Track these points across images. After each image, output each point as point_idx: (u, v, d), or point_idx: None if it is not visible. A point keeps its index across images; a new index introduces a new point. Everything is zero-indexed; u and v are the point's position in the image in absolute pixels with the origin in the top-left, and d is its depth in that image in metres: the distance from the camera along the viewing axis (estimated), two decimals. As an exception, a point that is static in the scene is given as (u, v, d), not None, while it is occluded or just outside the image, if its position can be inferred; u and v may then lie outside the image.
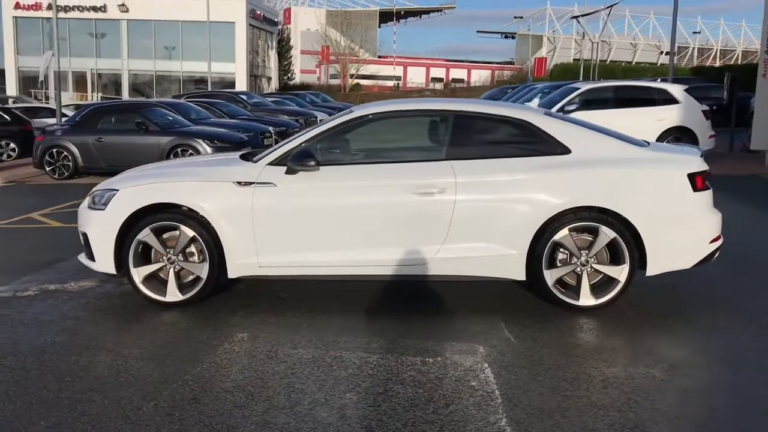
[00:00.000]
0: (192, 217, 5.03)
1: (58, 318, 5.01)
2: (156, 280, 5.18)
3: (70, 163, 14.10)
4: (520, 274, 4.92)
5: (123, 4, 44.52)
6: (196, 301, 5.16)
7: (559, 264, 4.94)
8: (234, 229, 4.97)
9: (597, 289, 4.95)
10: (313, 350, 4.37)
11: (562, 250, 4.92)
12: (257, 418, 3.47)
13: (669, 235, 4.91)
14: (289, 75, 60.30)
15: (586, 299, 4.95)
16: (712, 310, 5.12)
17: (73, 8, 43.51)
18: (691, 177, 4.92)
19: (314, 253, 5.01)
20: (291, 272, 5.06)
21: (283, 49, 59.18)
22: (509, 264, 4.89)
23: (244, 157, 5.46)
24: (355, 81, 61.26)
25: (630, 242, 4.86)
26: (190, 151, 13.55)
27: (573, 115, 11.57)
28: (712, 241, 5.02)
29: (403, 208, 4.90)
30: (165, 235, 5.11)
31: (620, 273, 4.91)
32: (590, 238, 4.90)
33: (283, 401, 3.65)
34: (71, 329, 4.80)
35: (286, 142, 5.24)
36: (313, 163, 4.90)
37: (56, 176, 14.13)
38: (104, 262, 5.14)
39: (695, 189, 4.93)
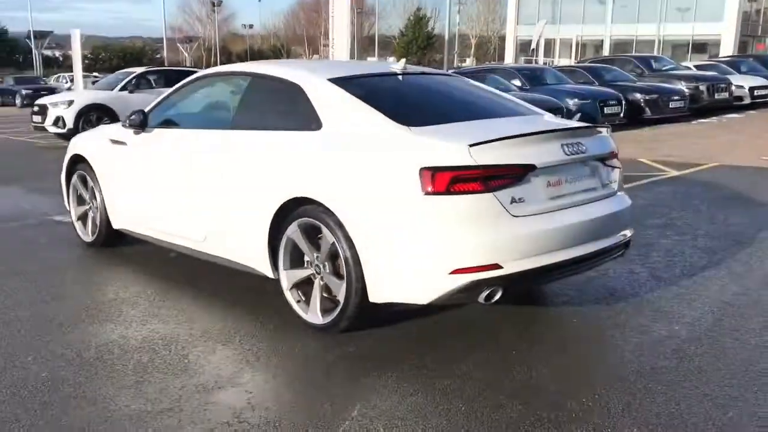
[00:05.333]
0: (87, 165, 5.62)
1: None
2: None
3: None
4: (268, 271, 4.16)
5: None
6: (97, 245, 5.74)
7: (306, 266, 3.99)
8: (107, 184, 5.42)
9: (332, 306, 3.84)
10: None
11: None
12: None
13: (390, 252, 3.50)
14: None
15: (314, 315, 3.90)
16: None
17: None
18: (429, 174, 3.36)
19: (144, 219, 5.12)
20: (140, 234, 5.26)
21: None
22: (258, 257, 4.17)
23: None
24: None
25: (347, 252, 3.63)
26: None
27: None
28: (456, 272, 3.36)
29: (184, 179, 4.62)
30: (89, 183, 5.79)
31: (339, 290, 3.73)
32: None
33: None
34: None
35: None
36: (137, 123, 4.96)
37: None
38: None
39: (431, 191, 3.35)
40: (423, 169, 3.35)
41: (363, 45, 68.86)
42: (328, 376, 3.37)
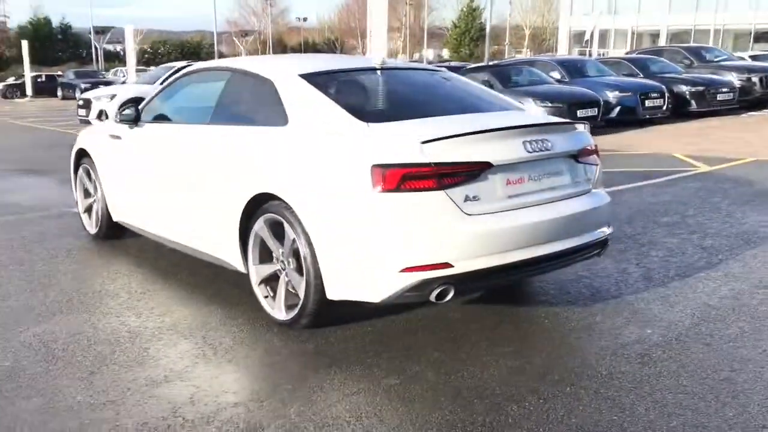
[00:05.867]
0: (90, 159, 5.76)
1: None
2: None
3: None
4: (240, 266, 4.18)
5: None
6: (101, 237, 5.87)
7: (273, 262, 3.99)
8: (105, 178, 5.55)
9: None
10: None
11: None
12: None
13: (344, 250, 3.47)
14: None
15: (279, 311, 3.90)
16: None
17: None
18: (380, 171, 3.31)
19: (136, 213, 5.22)
20: (133, 227, 5.37)
21: None
22: (231, 252, 4.20)
23: None
24: None
25: (306, 248, 3.62)
26: (520, 110, 13.41)
27: None
28: (405, 270, 3.31)
29: (168, 173, 4.69)
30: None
31: (299, 286, 3.72)
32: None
33: None
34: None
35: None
36: (130, 118, 5.05)
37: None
38: None
39: (383, 188, 3.31)
40: (374, 166, 3.32)
41: (417, 38, 68.66)
42: (279, 372, 3.38)
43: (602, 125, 14.13)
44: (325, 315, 3.74)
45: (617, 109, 14.70)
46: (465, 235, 3.34)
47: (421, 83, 4.45)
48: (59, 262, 5.30)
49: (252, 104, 4.31)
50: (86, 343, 3.74)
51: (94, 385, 3.25)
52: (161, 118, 5.08)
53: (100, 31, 55.10)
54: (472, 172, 3.38)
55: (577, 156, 3.86)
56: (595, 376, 3.26)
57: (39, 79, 42.77)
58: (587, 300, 4.27)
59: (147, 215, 5.09)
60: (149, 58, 58.86)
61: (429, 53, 67.80)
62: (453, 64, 28.20)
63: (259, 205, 3.90)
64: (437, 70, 4.83)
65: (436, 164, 3.30)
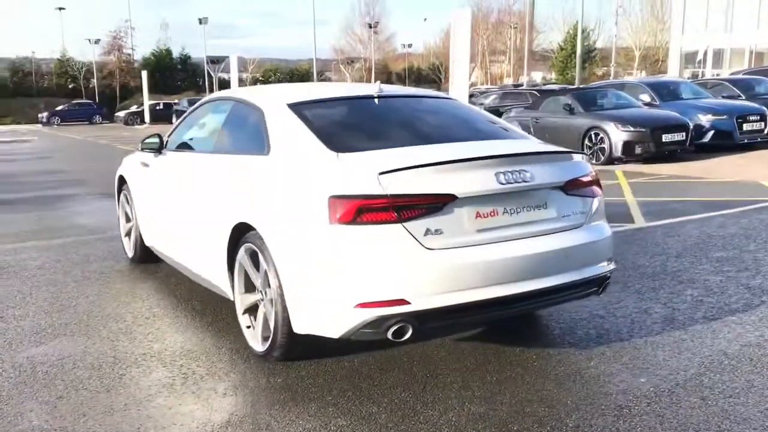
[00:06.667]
0: (127, 185, 5.99)
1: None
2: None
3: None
4: (230, 294, 4.18)
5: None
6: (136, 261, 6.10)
7: (255, 292, 3.95)
8: (138, 203, 5.74)
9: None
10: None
11: None
12: None
13: (306, 283, 3.37)
14: None
15: (256, 342, 3.84)
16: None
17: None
18: (337, 202, 3.20)
19: (157, 238, 5.35)
20: (158, 253, 5.51)
21: None
22: (221, 280, 4.22)
23: None
24: None
25: (275, 280, 3.53)
26: (601, 134, 12.96)
27: None
28: (360, 306, 3.17)
29: (177, 201, 4.79)
30: None
31: (271, 318, 3.65)
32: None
33: None
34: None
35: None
36: (154, 147, 5.20)
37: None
38: None
39: (339, 220, 3.19)
40: (332, 198, 3.22)
41: (523, 61, 67.86)
42: (236, 407, 3.31)
43: (692, 150, 13.36)
44: (298, 348, 3.65)
45: (710, 133, 13.86)
46: (424, 270, 3.17)
47: (413, 112, 4.30)
48: (88, 285, 5.50)
49: (245, 133, 4.33)
50: (70, 366, 3.83)
51: (57, 410, 3.31)
52: (180, 146, 5.21)
53: (215, 60, 57.91)
54: (434, 204, 3.22)
55: (566, 187, 3.60)
56: (558, 428, 2.99)
57: (157, 107, 45.58)
58: (591, 342, 3.96)
59: (165, 241, 5.21)
60: (261, 84, 61.34)
61: (537, 76, 66.74)
62: (546, 87, 27.56)
63: (242, 233, 3.89)
64: (441, 98, 4.68)
65: (393, 196, 3.16)
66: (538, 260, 3.40)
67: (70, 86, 64.44)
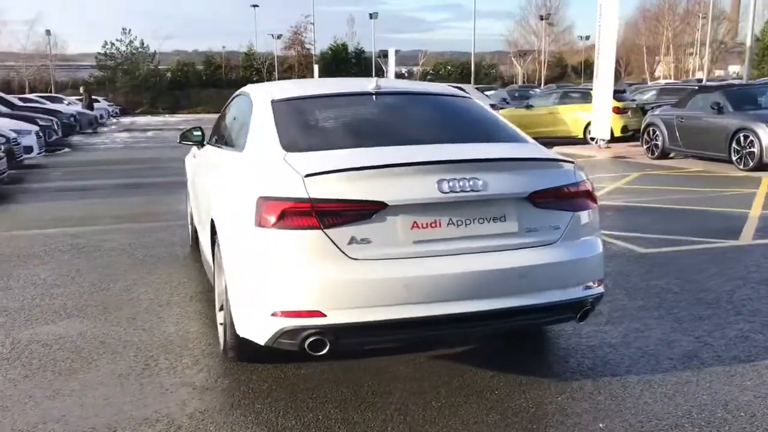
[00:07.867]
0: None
1: None
2: None
3: (659, 142, 13.88)
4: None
5: None
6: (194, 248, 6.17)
7: None
8: (189, 194, 5.95)
9: None
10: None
11: None
12: None
13: (240, 285, 3.25)
14: None
15: (222, 341, 3.78)
16: None
17: None
18: (262, 204, 3.04)
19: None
20: None
21: None
22: (211, 274, 4.23)
23: None
24: None
25: (224, 280, 3.47)
26: (750, 137, 11.61)
27: None
28: (275, 315, 2.98)
29: (194, 194, 4.88)
30: None
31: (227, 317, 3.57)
32: None
33: None
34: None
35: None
36: (197, 140, 5.29)
37: (650, 155, 14.15)
38: None
39: (262, 224, 3.01)
40: (259, 199, 3.08)
41: (717, 53, 62.69)
42: (174, 406, 3.26)
43: None
44: (249, 349, 3.52)
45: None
46: (345, 281, 2.94)
47: (395, 111, 3.97)
48: (137, 269, 5.76)
49: (242, 129, 4.28)
50: (56, 348, 4.01)
51: (16, 387, 3.47)
52: (212, 140, 5.29)
53: (386, 54, 59.21)
54: (361, 211, 2.97)
55: (533, 199, 3.18)
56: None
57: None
58: (576, 374, 3.50)
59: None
60: (431, 78, 61.71)
61: (734, 70, 61.28)
62: (711, 83, 25.04)
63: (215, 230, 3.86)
64: (447, 95, 4.30)
65: (315, 200, 2.95)
66: (484, 278, 3.03)
67: (254, 79, 68.87)
